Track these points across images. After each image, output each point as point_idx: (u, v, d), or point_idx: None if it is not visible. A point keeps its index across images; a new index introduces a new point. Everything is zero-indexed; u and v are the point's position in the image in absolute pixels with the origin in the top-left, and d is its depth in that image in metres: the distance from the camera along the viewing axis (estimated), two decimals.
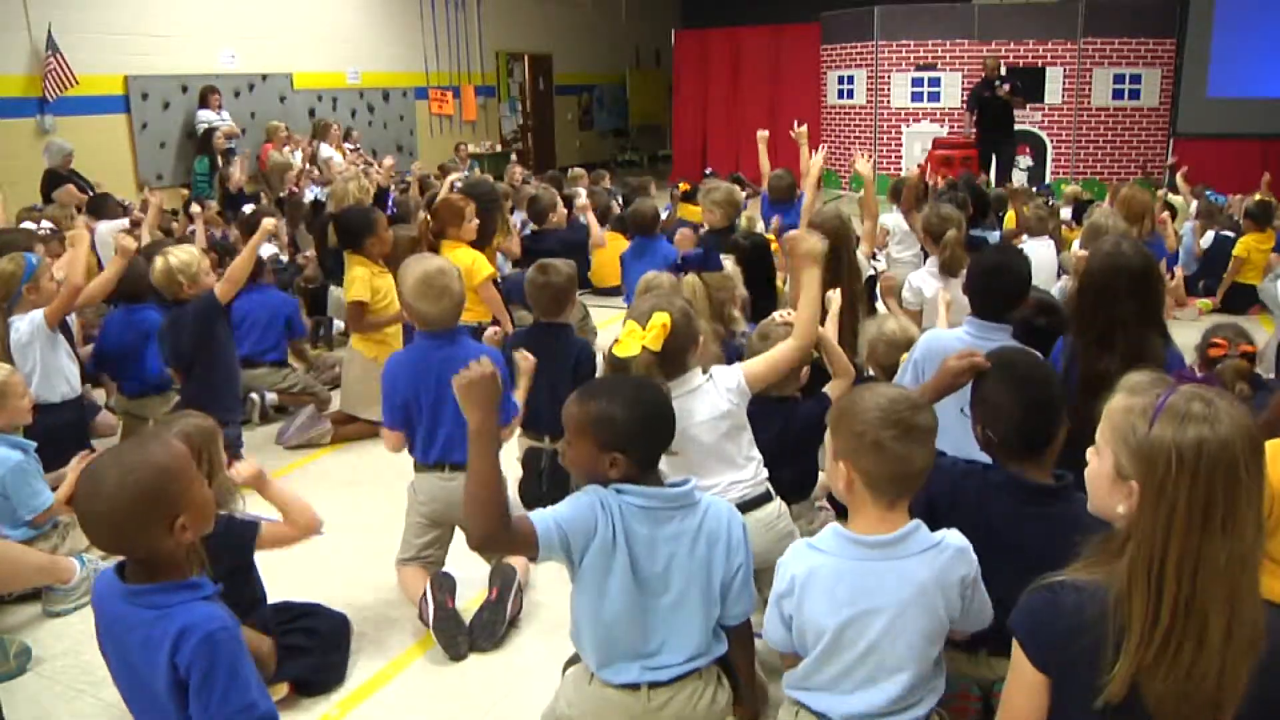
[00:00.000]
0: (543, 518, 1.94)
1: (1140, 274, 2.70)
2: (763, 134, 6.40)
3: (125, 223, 6.33)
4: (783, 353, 2.58)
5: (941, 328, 3.30)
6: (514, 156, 11.15)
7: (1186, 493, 1.40)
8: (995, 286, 2.85)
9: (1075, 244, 5.33)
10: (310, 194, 6.75)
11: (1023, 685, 1.56)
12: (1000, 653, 1.93)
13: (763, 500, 2.57)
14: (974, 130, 10.59)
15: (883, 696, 1.85)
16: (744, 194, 6.15)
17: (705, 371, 2.52)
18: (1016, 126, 11.70)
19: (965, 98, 11.01)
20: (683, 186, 7.44)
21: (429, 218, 4.69)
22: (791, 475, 2.83)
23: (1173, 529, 1.41)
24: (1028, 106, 11.42)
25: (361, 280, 4.49)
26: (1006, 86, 9.86)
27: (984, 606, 1.91)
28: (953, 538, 1.88)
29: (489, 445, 1.87)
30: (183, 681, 1.67)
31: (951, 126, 11.99)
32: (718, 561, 2.01)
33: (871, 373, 3.29)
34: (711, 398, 2.50)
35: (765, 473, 2.59)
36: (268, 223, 4.25)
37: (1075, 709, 1.50)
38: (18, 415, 3.23)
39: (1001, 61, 10.40)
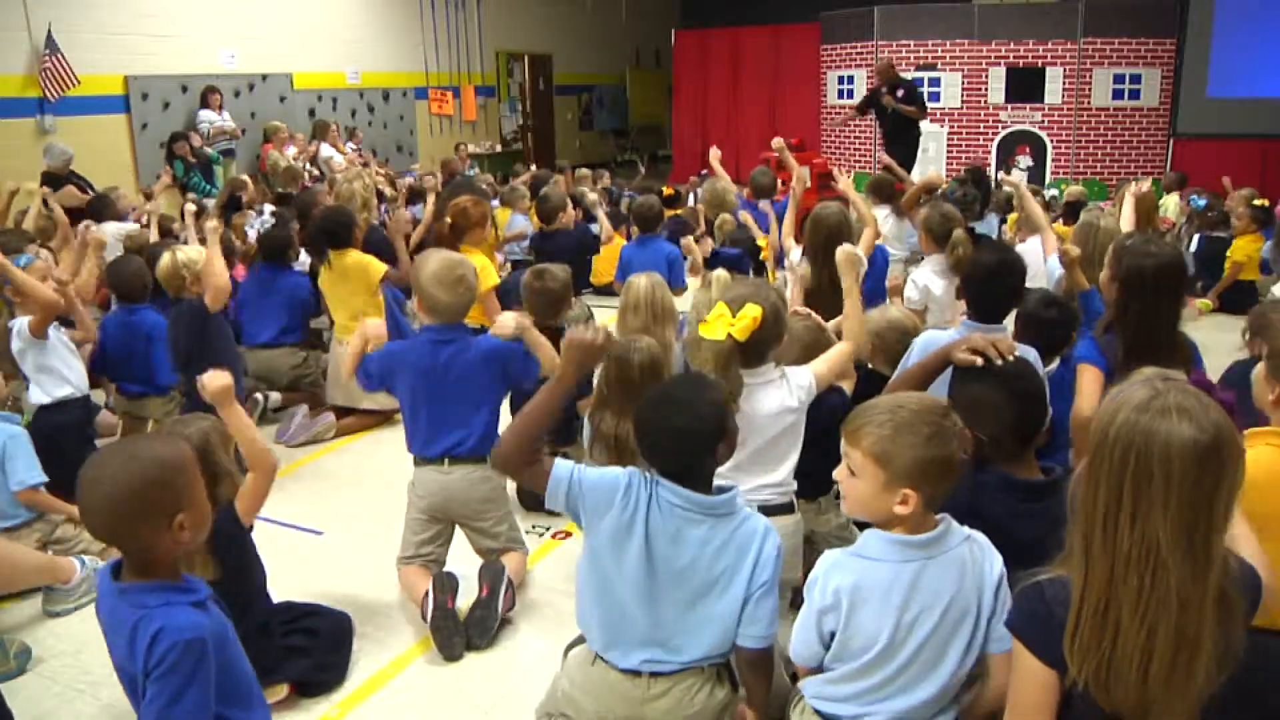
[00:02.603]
0: (565, 466, 2.04)
1: (1184, 270, 2.75)
2: (778, 142, 6.32)
3: (127, 225, 6.33)
4: (840, 354, 2.66)
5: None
6: (517, 166, 11.00)
7: (1106, 471, 1.41)
8: (994, 288, 2.84)
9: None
10: (251, 229, 6.51)
11: (1034, 684, 1.56)
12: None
13: (785, 510, 2.58)
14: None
15: (913, 700, 1.84)
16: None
17: (779, 367, 2.53)
18: (1017, 127, 11.74)
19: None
20: (666, 190, 7.51)
21: (449, 222, 4.60)
22: (820, 466, 2.84)
23: (1097, 507, 1.43)
24: (1029, 106, 11.44)
25: (370, 260, 4.64)
26: (900, 92, 9.43)
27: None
28: (978, 534, 1.89)
29: (561, 393, 2.07)
30: (150, 676, 1.66)
31: (952, 126, 12.00)
32: (741, 577, 1.99)
33: (871, 365, 3.29)
34: (782, 393, 2.50)
35: (794, 484, 2.59)
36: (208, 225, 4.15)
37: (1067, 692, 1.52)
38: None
39: (895, 68, 9.85)
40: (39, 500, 3.29)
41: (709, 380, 2.18)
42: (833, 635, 1.89)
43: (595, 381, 2.89)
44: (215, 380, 2.43)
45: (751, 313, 2.33)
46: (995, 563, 1.86)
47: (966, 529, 1.88)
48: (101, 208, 6.58)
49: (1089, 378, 2.71)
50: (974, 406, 2.12)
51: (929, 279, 4.20)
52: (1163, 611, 1.39)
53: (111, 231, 6.11)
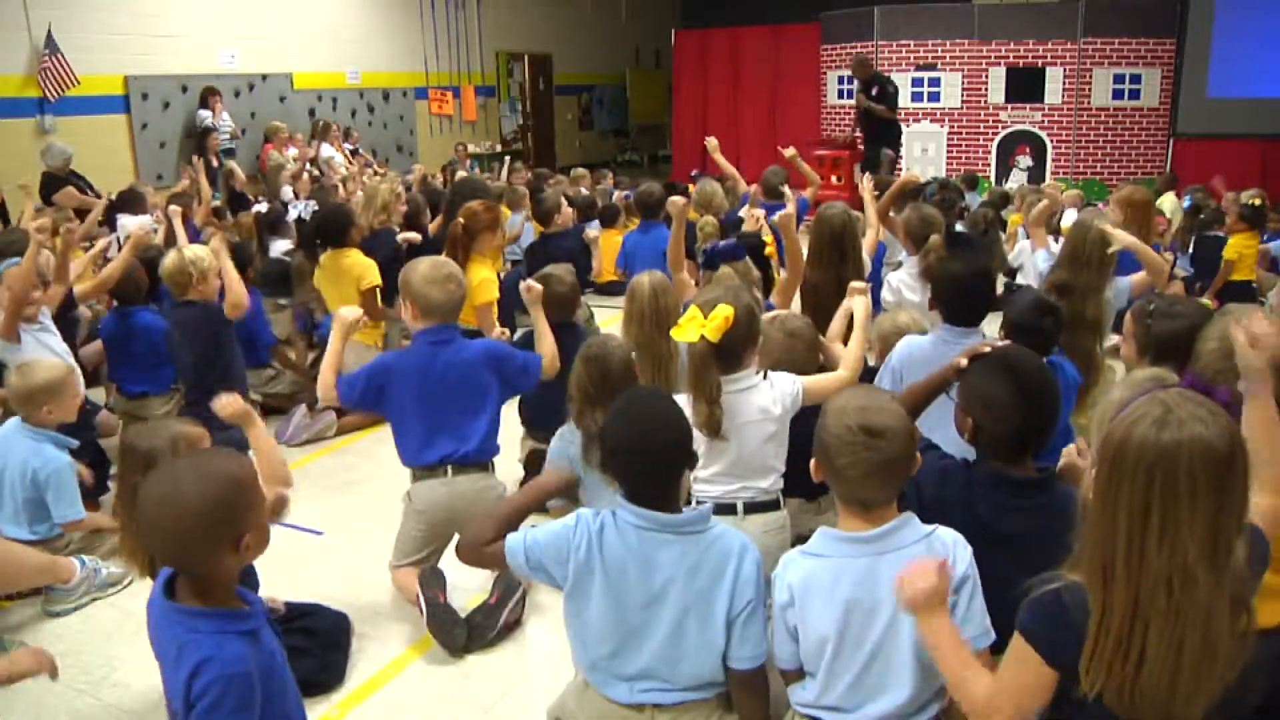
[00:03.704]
0: (513, 538, 2.03)
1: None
2: (789, 151, 6.32)
3: (149, 219, 6.36)
4: (836, 379, 2.66)
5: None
6: (508, 159, 10.94)
7: (1128, 492, 1.39)
8: (967, 295, 2.84)
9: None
10: (294, 210, 6.61)
11: (1033, 678, 1.55)
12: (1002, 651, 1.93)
13: (772, 507, 2.57)
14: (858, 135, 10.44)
15: (892, 703, 1.84)
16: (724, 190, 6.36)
17: (760, 372, 2.52)
18: (1017, 127, 11.73)
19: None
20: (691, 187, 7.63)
21: (462, 225, 4.53)
22: None
23: (1118, 528, 1.41)
24: (1029, 106, 11.46)
25: (369, 266, 4.64)
26: (874, 90, 9.49)
27: (979, 617, 1.86)
28: (945, 533, 1.88)
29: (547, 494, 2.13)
30: (192, 707, 1.63)
31: (952, 126, 12.00)
32: (720, 595, 1.94)
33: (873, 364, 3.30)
34: (764, 399, 2.50)
35: (781, 483, 2.59)
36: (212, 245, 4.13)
37: (1069, 695, 1.51)
38: (69, 413, 3.31)
39: (871, 65, 9.87)
40: (81, 527, 3.30)
41: (663, 393, 2.20)
42: (798, 630, 1.90)
43: (571, 385, 2.88)
44: (231, 406, 2.48)
45: (723, 313, 2.33)
46: (961, 560, 1.84)
47: (929, 527, 1.87)
48: (130, 201, 6.61)
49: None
50: (985, 403, 2.12)
51: (904, 282, 4.24)
52: (1191, 625, 1.39)
53: (133, 225, 6.16)
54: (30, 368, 3.27)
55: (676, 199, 3.90)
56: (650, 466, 1.95)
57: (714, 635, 1.95)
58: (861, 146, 10.50)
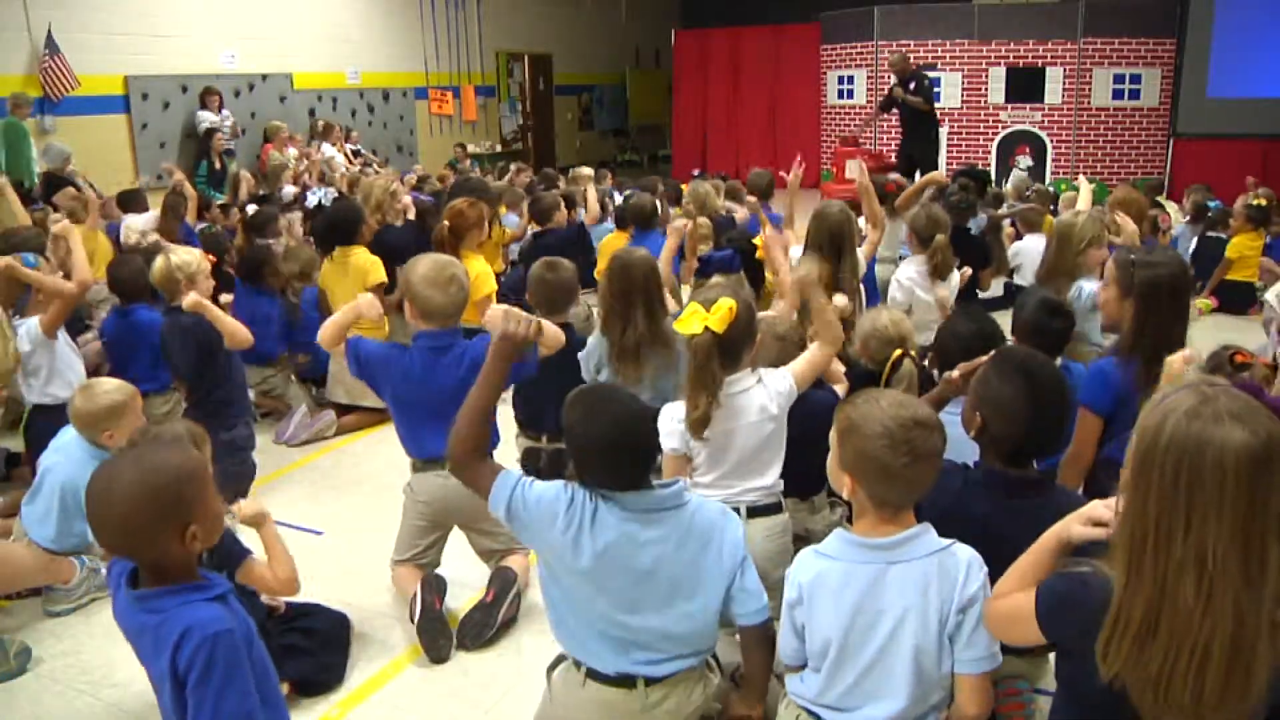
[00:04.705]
0: (510, 475, 2.04)
1: (1190, 275, 2.80)
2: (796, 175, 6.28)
3: (151, 217, 6.37)
4: (817, 356, 2.65)
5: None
6: (513, 166, 10.89)
7: (1156, 481, 1.37)
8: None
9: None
10: (314, 196, 6.67)
11: (1017, 630, 1.68)
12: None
13: (773, 510, 2.58)
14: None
15: (886, 711, 1.84)
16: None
17: (755, 372, 2.54)
18: (1017, 127, 11.75)
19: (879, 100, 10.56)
20: (685, 188, 7.62)
21: (447, 226, 4.50)
22: (812, 465, 2.84)
23: (1147, 516, 1.39)
24: (1029, 106, 11.49)
25: (375, 264, 4.63)
26: (912, 85, 9.55)
27: (987, 639, 1.83)
28: (961, 549, 1.86)
29: (496, 385, 2.13)
30: (183, 683, 1.61)
31: (952, 126, 12.00)
32: (710, 562, 2.00)
33: (864, 363, 3.28)
34: (761, 398, 2.51)
35: (781, 484, 2.60)
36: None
37: (1085, 683, 1.49)
38: (128, 436, 3.13)
39: (910, 62, 9.95)
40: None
41: (627, 390, 2.22)
42: (805, 629, 1.91)
43: (599, 298, 3.10)
44: (251, 508, 2.50)
45: (726, 304, 2.35)
46: (972, 581, 1.82)
47: (945, 540, 1.85)
48: (131, 200, 6.63)
49: (1089, 426, 2.68)
50: (998, 405, 2.10)
51: (913, 280, 4.24)
52: (1219, 625, 1.35)
53: (140, 225, 6.18)
54: (94, 390, 3.13)
55: (678, 222, 3.87)
56: (631, 458, 1.98)
57: (707, 601, 2.01)
58: (864, 143, 10.56)
